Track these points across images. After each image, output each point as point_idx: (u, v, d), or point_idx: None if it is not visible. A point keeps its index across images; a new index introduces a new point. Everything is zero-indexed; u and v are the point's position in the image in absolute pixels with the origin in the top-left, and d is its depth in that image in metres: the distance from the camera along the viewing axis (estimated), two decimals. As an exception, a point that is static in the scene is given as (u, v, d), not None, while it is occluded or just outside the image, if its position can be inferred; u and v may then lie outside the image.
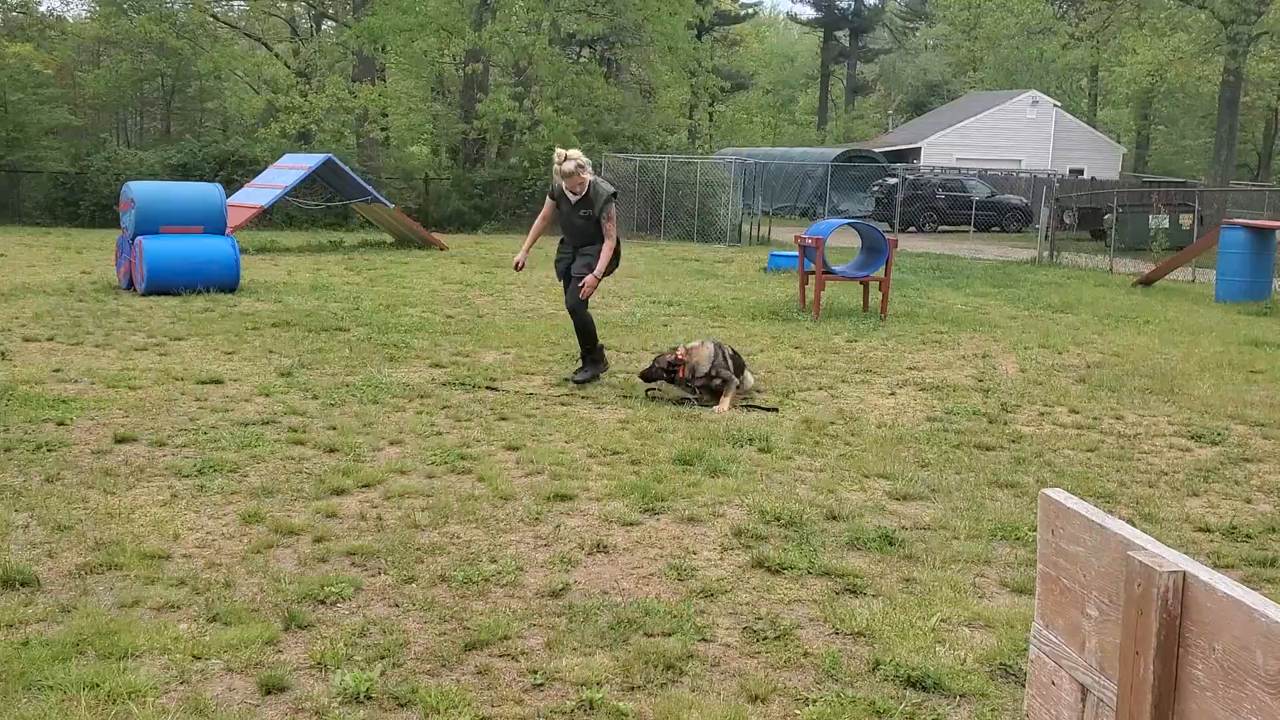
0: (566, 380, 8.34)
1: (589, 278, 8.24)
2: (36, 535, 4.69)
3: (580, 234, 8.45)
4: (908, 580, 4.48)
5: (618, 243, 8.45)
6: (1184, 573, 1.86)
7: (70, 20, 39.76)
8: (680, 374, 7.90)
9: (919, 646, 3.82)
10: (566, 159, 8.35)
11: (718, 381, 7.81)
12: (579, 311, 8.43)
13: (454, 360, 9.12)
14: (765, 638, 3.90)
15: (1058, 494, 2.32)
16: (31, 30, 33.29)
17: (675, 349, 8.11)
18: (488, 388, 8.02)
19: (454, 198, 28.98)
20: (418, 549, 4.67)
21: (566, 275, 8.57)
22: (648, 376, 8.13)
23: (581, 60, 37.10)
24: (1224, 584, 1.81)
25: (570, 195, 8.34)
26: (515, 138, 30.75)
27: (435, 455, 6.10)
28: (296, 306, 11.97)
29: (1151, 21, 32.23)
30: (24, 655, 3.55)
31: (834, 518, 5.24)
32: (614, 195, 8.42)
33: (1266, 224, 17.00)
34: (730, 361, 7.96)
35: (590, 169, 8.44)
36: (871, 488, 5.80)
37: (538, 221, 8.89)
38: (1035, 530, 4.92)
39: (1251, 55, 31.85)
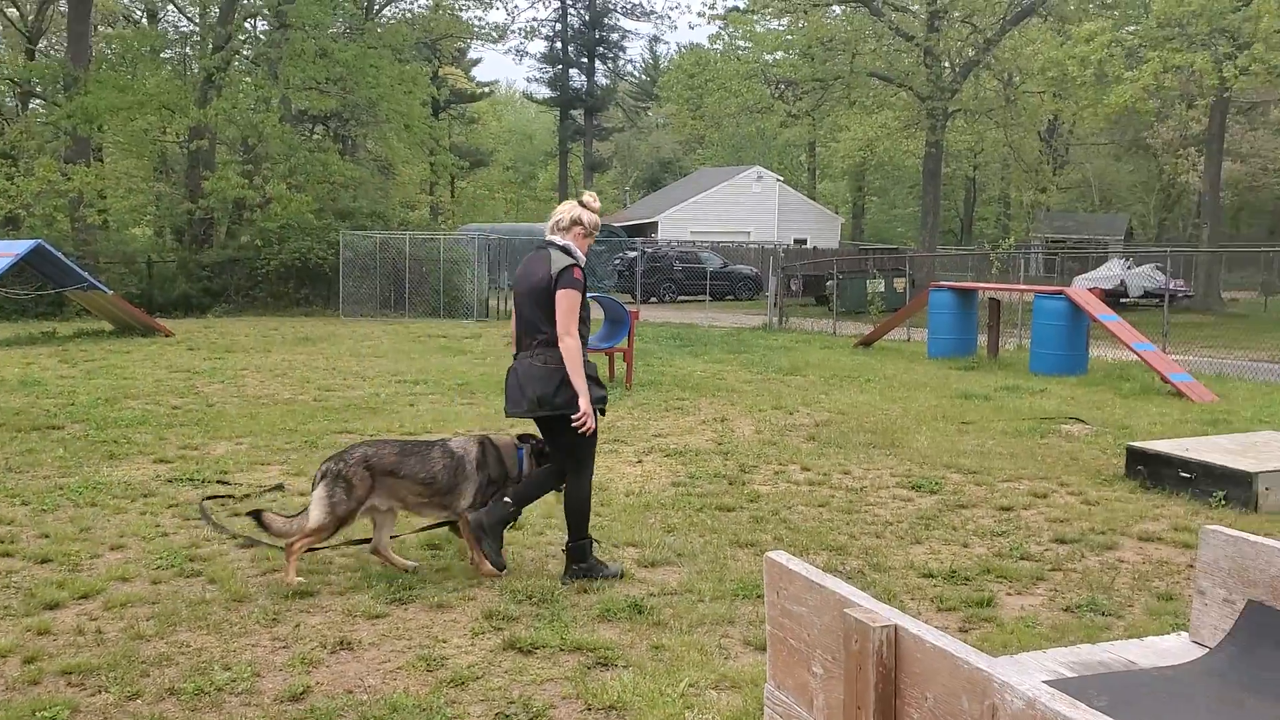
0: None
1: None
2: None
3: None
4: (657, 648, 4.54)
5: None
6: (895, 626, 1.97)
7: None
8: None
9: (669, 714, 3.86)
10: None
11: None
12: None
13: (181, 455, 8.63)
14: (517, 721, 3.85)
15: (780, 556, 2.42)
16: None
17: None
18: (219, 483, 7.62)
19: (180, 280, 27.60)
20: (143, 662, 4.36)
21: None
22: None
23: (315, 137, 36.40)
24: (931, 635, 1.93)
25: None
26: (245, 216, 29.72)
27: (161, 559, 5.73)
28: (2, 404, 11.05)
29: (860, 100, 34.73)
30: None
31: (585, 591, 5.26)
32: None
33: (970, 286, 18.53)
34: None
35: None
36: (621, 557, 5.86)
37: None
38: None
39: (949, 130, 34.84)
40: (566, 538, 5.52)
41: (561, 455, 5.53)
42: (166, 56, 34.00)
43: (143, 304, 23.38)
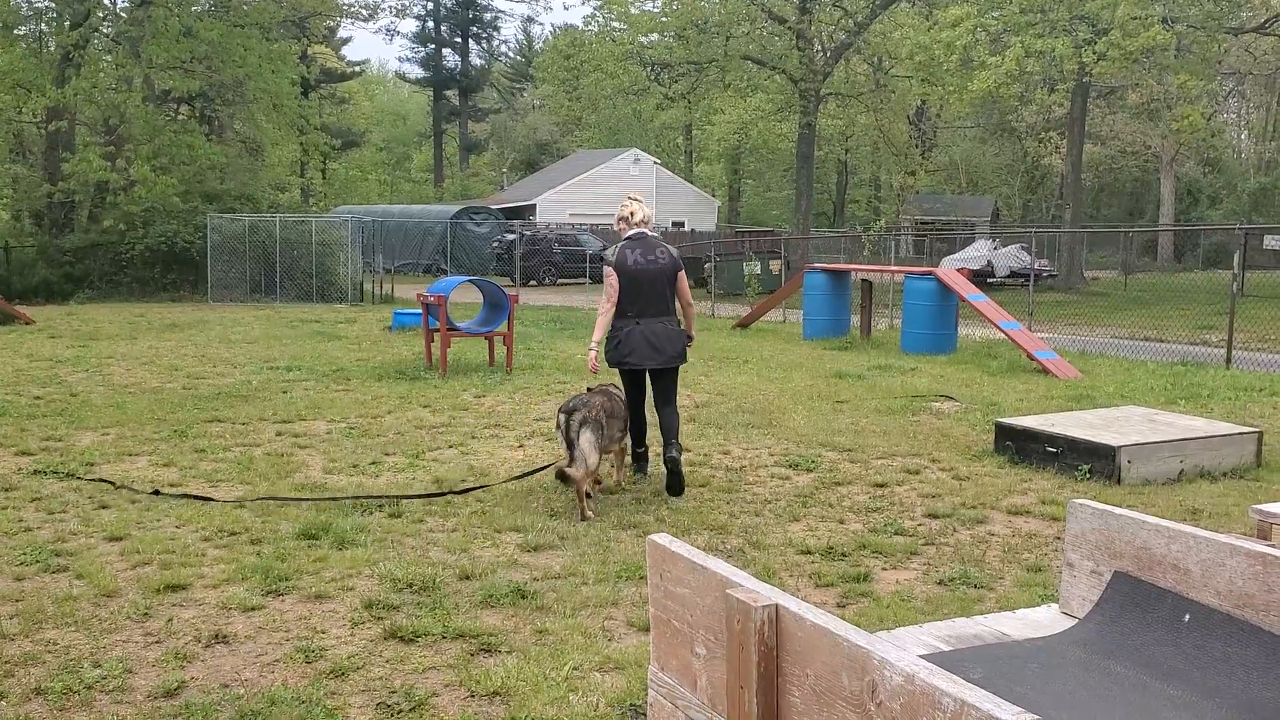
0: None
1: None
2: None
3: None
4: (541, 632, 4.53)
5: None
6: (776, 606, 2.00)
7: None
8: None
9: (553, 698, 3.86)
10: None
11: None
12: None
13: (44, 446, 8.28)
14: (399, 711, 3.81)
15: (663, 538, 2.44)
16: None
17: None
18: (90, 479, 7.33)
19: (40, 266, 26.46)
20: (7, 662, 4.18)
21: None
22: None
23: (180, 117, 35.16)
24: (812, 613, 1.97)
25: None
26: (108, 199, 28.59)
27: (25, 554, 5.50)
28: None
29: (735, 83, 35.07)
30: None
31: (467, 577, 5.22)
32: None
33: (842, 267, 18.91)
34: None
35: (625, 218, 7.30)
36: (504, 542, 5.83)
37: None
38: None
39: (821, 113, 35.44)
40: (664, 447, 7.00)
41: (669, 389, 7.13)
42: (20, 33, 32.37)
43: (1, 291, 22.35)
